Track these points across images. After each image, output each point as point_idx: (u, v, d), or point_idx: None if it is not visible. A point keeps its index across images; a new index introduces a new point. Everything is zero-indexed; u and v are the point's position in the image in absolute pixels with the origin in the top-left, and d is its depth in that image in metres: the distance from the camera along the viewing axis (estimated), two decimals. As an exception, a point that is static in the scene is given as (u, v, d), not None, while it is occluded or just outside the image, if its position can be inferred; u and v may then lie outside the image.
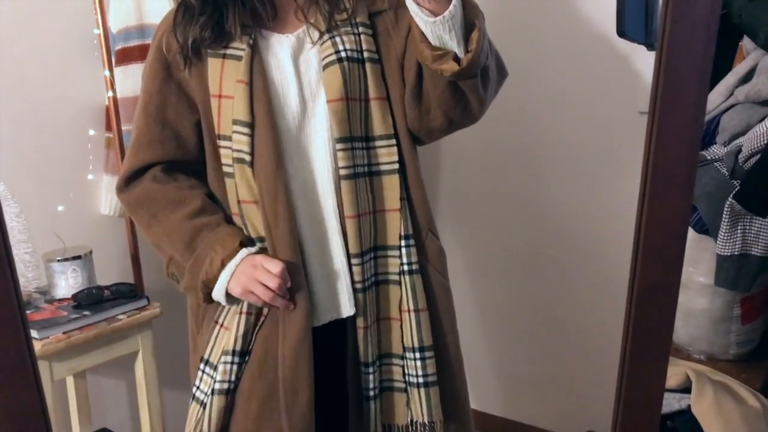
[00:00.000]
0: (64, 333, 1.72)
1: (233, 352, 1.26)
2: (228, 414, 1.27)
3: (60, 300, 1.89)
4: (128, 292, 1.91)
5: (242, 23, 1.24)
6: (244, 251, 1.23)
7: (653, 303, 0.59)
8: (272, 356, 1.25)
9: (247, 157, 1.23)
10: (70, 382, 2.05)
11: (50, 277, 1.93)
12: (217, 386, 1.26)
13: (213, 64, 1.25)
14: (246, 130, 1.22)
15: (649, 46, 2.00)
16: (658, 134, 0.58)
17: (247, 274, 1.20)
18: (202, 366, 1.31)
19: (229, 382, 1.26)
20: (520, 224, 2.38)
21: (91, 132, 2.06)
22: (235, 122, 1.23)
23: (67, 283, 1.90)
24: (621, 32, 1.90)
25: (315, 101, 1.25)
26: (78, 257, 1.90)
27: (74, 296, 1.86)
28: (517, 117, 2.28)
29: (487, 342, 2.58)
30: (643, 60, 2.01)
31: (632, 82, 2.04)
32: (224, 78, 1.24)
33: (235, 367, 1.26)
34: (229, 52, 1.25)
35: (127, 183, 1.32)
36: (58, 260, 1.89)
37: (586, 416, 2.40)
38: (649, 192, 0.58)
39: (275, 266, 1.18)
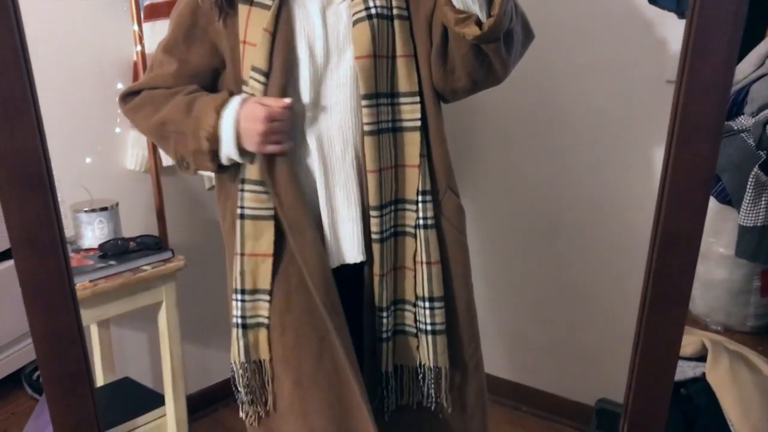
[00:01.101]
0: (90, 281, 1.76)
1: (256, 291, 1.33)
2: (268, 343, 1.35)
3: (86, 250, 1.93)
4: (153, 244, 1.95)
5: None
6: (236, 97, 1.26)
7: (676, 248, 0.60)
8: (296, 289, 1.31)
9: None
10: (94, 331, 2.10)
11: (77, 228, 1.97)
12: (250, 321, 1.34)
13: (241, 11, 1.28)
14: (261, 78, 1.26)
15: (680, 14, 1.98)
16: (689, 80, 0.58)
17: (257, 111, 1.22)
18: (235, 296, 1.36)
19: (261, 316, 1.34)
20: (538, 188, 2.38)
21: (119, 86, 2.08)
22: (254, 69, 1.26)
23: (94, 234, 1.94)
24: (653, 0, 1.89)
25: (341, 56, 1.27)
26: (105, 209, 1.94)
27: (100, 246, 1.90)
28: (542, 83, 2.27)
29: (500, 305, 2.59)
30: (673, 28, 1.99)
31: (661, 50, 2.02)
32: (250, 25, 1.27)
33: (262, 303, 1.33)
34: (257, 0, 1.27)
35: (129, 96, 1.38)
36: (86, 211, 1.93)
37: (599, 384, 2.42)
38: (677, 138, 0.59)
39: (275, 100, 1.23)
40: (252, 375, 1.36)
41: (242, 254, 1.32)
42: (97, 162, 2.10)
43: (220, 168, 1.31)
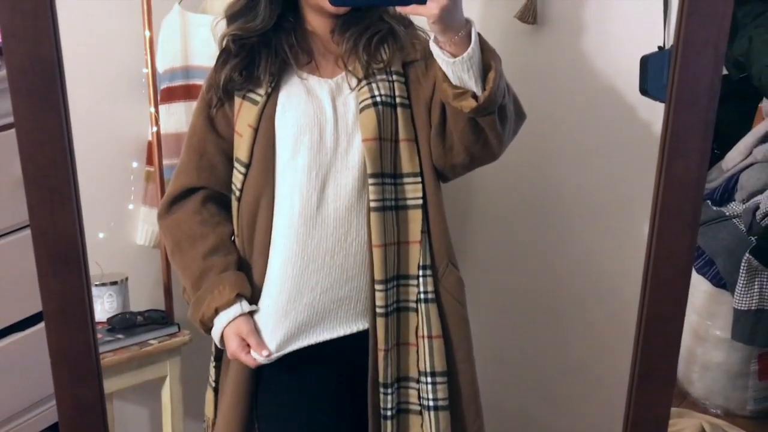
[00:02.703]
0: (98, 354, 1.79)
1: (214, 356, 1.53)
2: None
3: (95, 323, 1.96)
4: (160, 319, 1.98)
5: (271, 72, 1.38)
6: (235, 309, 1.37)
7: (660, 330, 0.64)
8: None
9: (237, 193, 1.41)
10: (97, 404, 2.11)
11: (86, 301, 2.01)
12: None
13: (236, 102, 1.41)
14: (242, 169, 1.39)
15: (672, 105, 2.07)
16: (666, 176, 0.64)
17: (233, 343, 1.37)
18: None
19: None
20: (537, 262, 2.39)
21: (134, 164, 2.16)
22: (236, 159, 1.40)
23: (103, 307, 1.98)
24: (643, 90, 1.98)
25: (350, 141, 1.36)
26: (115, 283, 1.99)
27: (109, 320, 1.93)
28: (536, 163, 2.32)
29: (503, 383, 2.57)
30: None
31: (653, 139, 2.09)
32: (240, 117, 1.40)
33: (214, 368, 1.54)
34: (249, 95, 1.39)
35: (167, 209, 1.47)
36: (96, 285, 1.97)
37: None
38: (658, 229, 0.64)
39: (258, 346, 1.36)
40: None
41: None
42: (109, 237, 2.16)
43: None
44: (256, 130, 1.37)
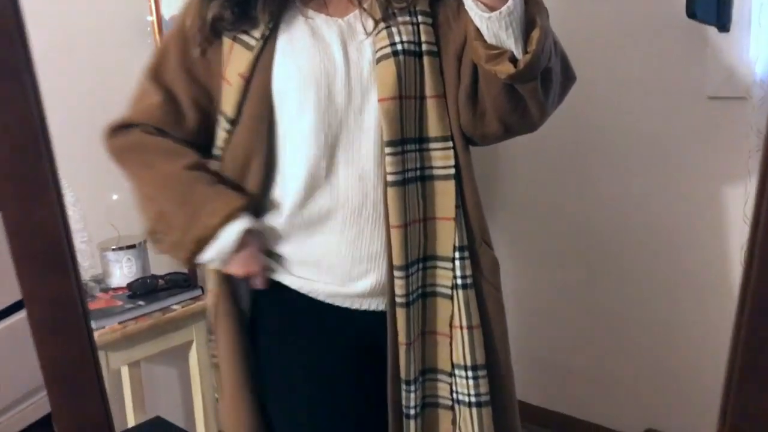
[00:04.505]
0: (119, 323, 1.72)
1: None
2: None
3: (115, 289, 1.89)
4: (182, 282, 1.90)
5: (270, 10, 1.14)
6: (244, 220, 1.13)
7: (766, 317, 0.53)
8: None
9: (218, 151, 1.19)
10: (124, 371, 2.06)
11: (105, 266, 1.94)
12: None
13: (225, 44, 1.16)
14: (227, 125, 1.16)
15: (720, 27, 1.90)
16: None
17: (254, 257, 1.16)
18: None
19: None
20: (581, 213, 2.31)
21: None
22: (221, 112, 1.17)
23: (122, 272, 1.91)
24: (691, 13, 1.81)
25: (365, 97, 1.13)
26: (132, 246, 1.91)
27: (129, 285, 1.86)
28: (580, 101, 2.20)
29: (539, 333, 2.51)
30: (714, 41, 1.91)
31: (701, 65, 1.95)
32: (230, 63, 1.15)
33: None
34: (242, 36, 1.14)
35: (116, 131, 1.22)
36: (113, 249, 1.90)
37: (644, 413, 2.33)
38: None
39: (262, 279, 1.18)
40: None
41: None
42: (124, 198, 2.06)
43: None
44: (248, 81, 1.13)
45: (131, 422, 2.09)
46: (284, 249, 1.19)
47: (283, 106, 1.14)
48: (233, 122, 1.15)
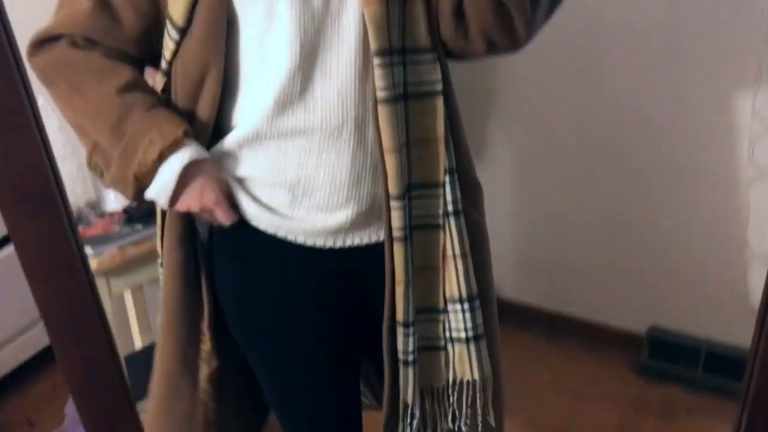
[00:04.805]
0: (118, 248, 1.69)
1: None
2: None
3: (111, 214, 1.85)
4: (179, 204, 1.86)
5: None
6: (190, 149, 1.01)
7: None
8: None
9: (164, 65, 1.04)
10: (128, 296, 2.04)
11: (99, 191, 1.89)
12: None
13: None
14: (175, 34, 1.00)
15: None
16: None
17: (209, 191, 1.03)
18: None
19: None
20: (582, 107, 2.25)
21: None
22: (168, 18, 1.01)
23: (116, 195, 1.86)
24: None
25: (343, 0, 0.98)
26: (125, 169, 1.84)
27: (125, 210, 1.82)
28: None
29: (544, 233, 2.50)
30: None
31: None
32: None
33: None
34: None
35: (40, 45, 1.04)
36: (106, 173, 1.84)
37: (649, 311, 2.35)
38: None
39: (226, 216, 1.06)
40: None
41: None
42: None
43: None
44: None
45: (138, 345, 2.09)
46: (253, 173, 1.07)
47: (247, 10, 0.99)
48: (183, 31, 1.00)
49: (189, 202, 1.03)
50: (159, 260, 1.17)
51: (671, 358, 2.28)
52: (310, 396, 1.17)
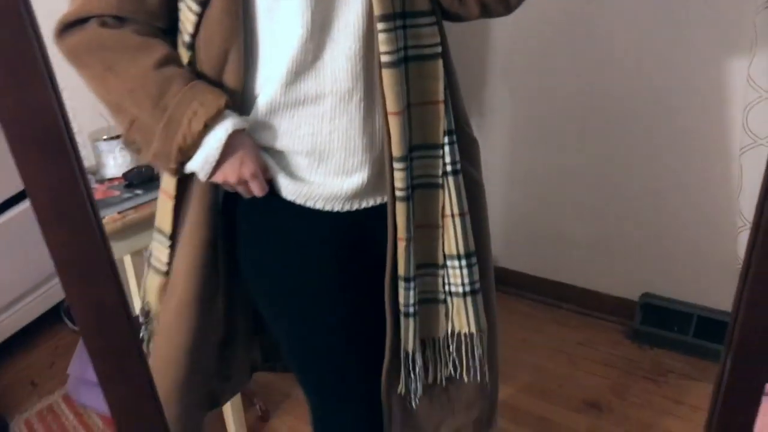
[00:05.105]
0: (119, 213, 1.71)
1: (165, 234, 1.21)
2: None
3: (110, 179, 1.86)
4: (178, 169, 1.87)
5: None
6: (230, 120, 1.03)
7: None
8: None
9: (187, 38, 1.06)
10: (127, 260, 2.07)
11: (98, 157, 1.90)
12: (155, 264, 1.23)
13: None
14: (195, 6, 1.02)
15: None
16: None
17: (250, 162, 1.07)
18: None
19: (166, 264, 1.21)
20: (577, 77, 2.26)
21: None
22: None
23: (116, 162, 1.87)
24: None
25: None
26: (124, 135, 1.86)
27: (124, 175, 1.83)
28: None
29: (539, 202, 2.53)
30: None
31: None
32: None
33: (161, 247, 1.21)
34: None
35: (68, 28, 1.06)
36: (105, 139, 1.85)
37: (642, 278, 2.38)
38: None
39: (259, 186, 1.09)
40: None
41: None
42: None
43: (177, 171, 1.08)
44: None
45: (137, 310, 2.12)
46: (271, 142, 1.11)
47: None
48: (203, 3, 1.02)
49: (227, 173, 1.06)
50: (163, 234, 1.20)
51: (663, 324, 2.33)
52: (337, 349, 1.22)
